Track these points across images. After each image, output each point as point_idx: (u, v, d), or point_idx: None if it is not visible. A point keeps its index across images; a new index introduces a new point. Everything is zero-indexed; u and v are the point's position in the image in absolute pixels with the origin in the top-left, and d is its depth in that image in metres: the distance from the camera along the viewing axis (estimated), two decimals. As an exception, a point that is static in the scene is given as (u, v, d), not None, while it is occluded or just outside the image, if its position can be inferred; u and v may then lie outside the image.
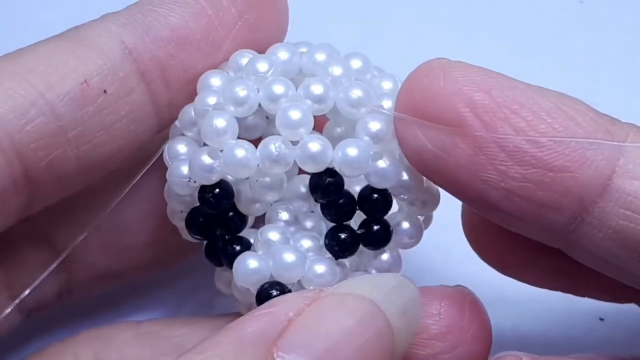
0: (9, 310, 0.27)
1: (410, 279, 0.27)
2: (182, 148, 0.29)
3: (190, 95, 0.29)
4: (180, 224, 0.29)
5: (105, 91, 0.28)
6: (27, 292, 0.28)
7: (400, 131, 0.26)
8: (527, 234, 0.27)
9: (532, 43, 0.40)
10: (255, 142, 0.28)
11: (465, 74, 0.25)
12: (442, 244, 0.32)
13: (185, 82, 0.29)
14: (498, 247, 0.30)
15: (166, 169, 0.29)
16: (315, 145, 0.27)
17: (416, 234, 0.29)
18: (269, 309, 0.25)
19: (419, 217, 0.29)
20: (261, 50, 0.29)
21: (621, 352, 0.30)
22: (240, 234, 0.29)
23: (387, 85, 0.29)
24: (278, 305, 0.25)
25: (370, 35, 0.39)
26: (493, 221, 0.27)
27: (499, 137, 0.25)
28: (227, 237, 0.29)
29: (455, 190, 0.26)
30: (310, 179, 0.27)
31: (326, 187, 0.27)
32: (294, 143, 0.27)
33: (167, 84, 0.29)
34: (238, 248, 0.28)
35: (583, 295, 0.31)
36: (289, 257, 0.27)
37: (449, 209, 0.29)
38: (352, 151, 0.27)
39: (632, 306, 0.32)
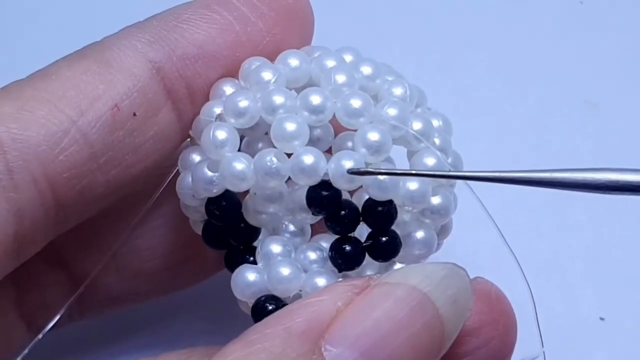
0: (26, 351, 0.28)
1: (461, 267, 0.26)
2: (195, 157, 0.29)
3: None
4: None
5: (134, 114, 0.27)
6: (46, 329, 0.28)
7: None
8: None
9: (532, 43, 0.40)
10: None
11: None
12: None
13: None
14: None
15: None
16: (308, 157, 0.26)
17: (427, 246, 0.28)
18: (318, 297, 0.25)
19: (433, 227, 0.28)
20: None
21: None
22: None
23: (398, 91, 0.28)
24: (327, 294, 0.25)
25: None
26: None
27: None
28: (241, 247, 0.28)
29: None
30: (307, 192, 0.27)
31: (321, 200, 0.26)
32: (290, 156, 0.27)
33: (192, 100, 0.29)
34: (252, 259, 0.28)
35: None
36: (284, 270, 0.27)
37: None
38: (347, 163, 0.26)
39: (632, 306, 0.33)
